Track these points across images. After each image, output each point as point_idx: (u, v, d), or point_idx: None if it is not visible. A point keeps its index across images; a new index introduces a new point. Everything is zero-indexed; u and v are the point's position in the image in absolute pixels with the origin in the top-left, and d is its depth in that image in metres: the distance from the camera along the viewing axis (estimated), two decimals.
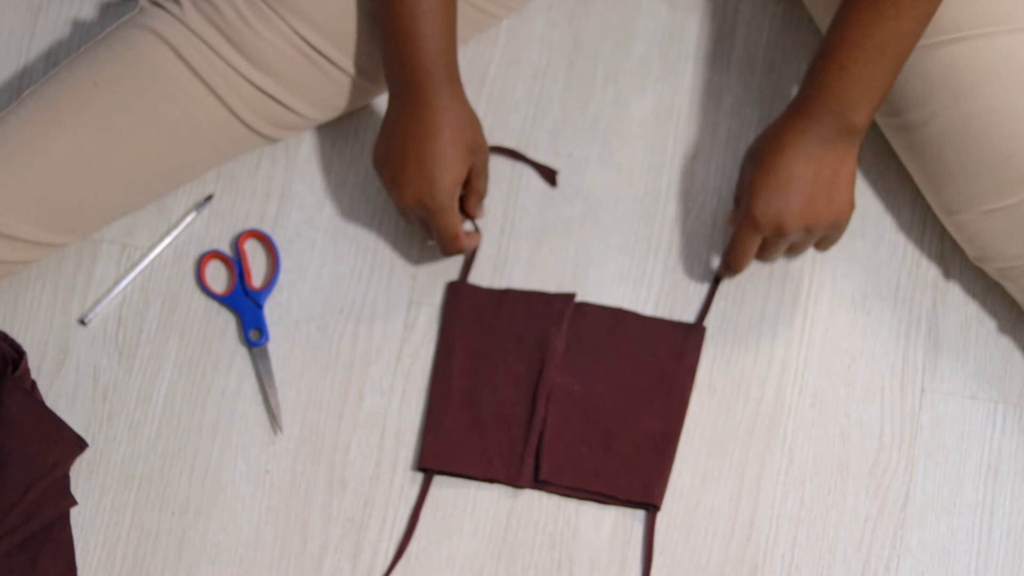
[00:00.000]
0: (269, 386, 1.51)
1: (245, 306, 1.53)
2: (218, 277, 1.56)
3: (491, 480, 1.48)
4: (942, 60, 1.41)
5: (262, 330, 1.52)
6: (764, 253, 1.46)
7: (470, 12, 1.53)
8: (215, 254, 1.55)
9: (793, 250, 1.48)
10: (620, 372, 1.50)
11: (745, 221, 1.43)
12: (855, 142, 1.41)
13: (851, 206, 1.42)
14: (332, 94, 1.52)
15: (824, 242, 1.46)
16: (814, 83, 1.40)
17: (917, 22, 1.36)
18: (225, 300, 1.54)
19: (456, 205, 1.46)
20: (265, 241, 1.56)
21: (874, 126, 1.56)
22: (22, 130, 1.44)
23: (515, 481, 1.47)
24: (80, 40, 1.62)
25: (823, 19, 1.50)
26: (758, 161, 1.42)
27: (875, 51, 1.37)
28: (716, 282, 1.53)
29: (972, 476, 1.48)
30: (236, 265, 1.55)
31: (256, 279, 1.55)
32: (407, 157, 1.44)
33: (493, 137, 1.58)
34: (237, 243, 1.55)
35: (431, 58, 1.42)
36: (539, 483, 1.48)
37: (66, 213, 1.46)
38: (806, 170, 1.41)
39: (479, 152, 1.47)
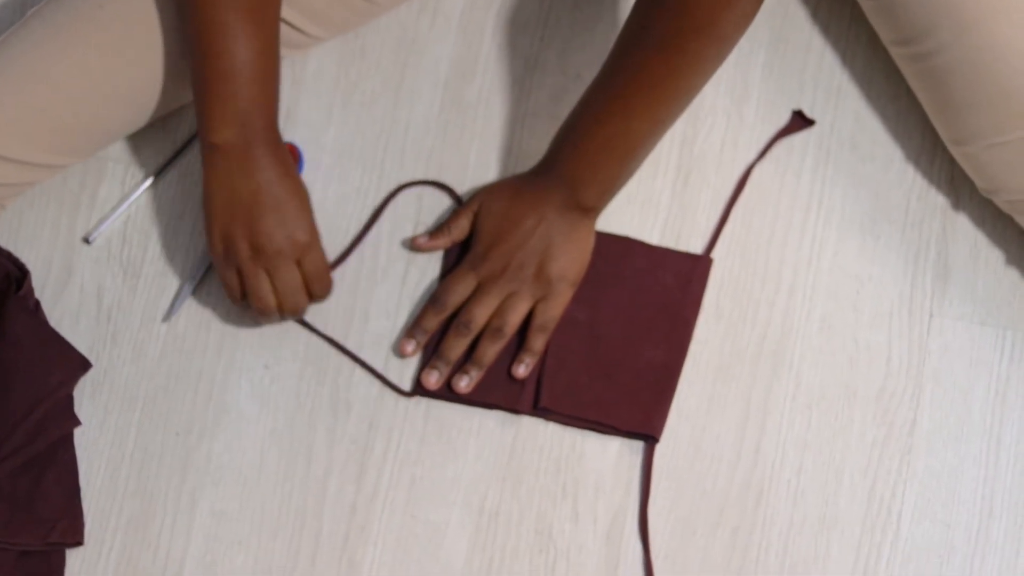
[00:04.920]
0: None
1: None
2: None
3: (489, 406, 1.43)
4: None
5: None
6: (481, 296, 1.42)
7: None
8: None
9: (513, 303, 1.42)
10: (625, 302, 1.45)
11: (466, 259, 1.43)
12: (588, 216, 1.42)
13: (576, 271, 1.43)
14: (341, 14, 1.49)
15: (542, 307, 1.42)
16: (551, 152, 1.41)
17: (650, 125, 1.35)
18: None
19: None
20: None
21: (885, 52, 1.49)
22: (26, 54, 1.40)
23: (514, 407, 1.43)
24: None
25: None
26: (492, 209, 1.43)
27: (605, 141, 1.36)
28: (724, 216, 1.47)
29: (980, 402, 1.43)
30: None
31: None
32: (263, 203, 1.36)
33: (502, 57, 1.51)
34: None
35: (260, 108, 1.36)
36: (538, 410, 1.43)
37: (71, 135, 1.42)
38: (534, 227, 1.41)
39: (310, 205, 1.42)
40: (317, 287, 1.40)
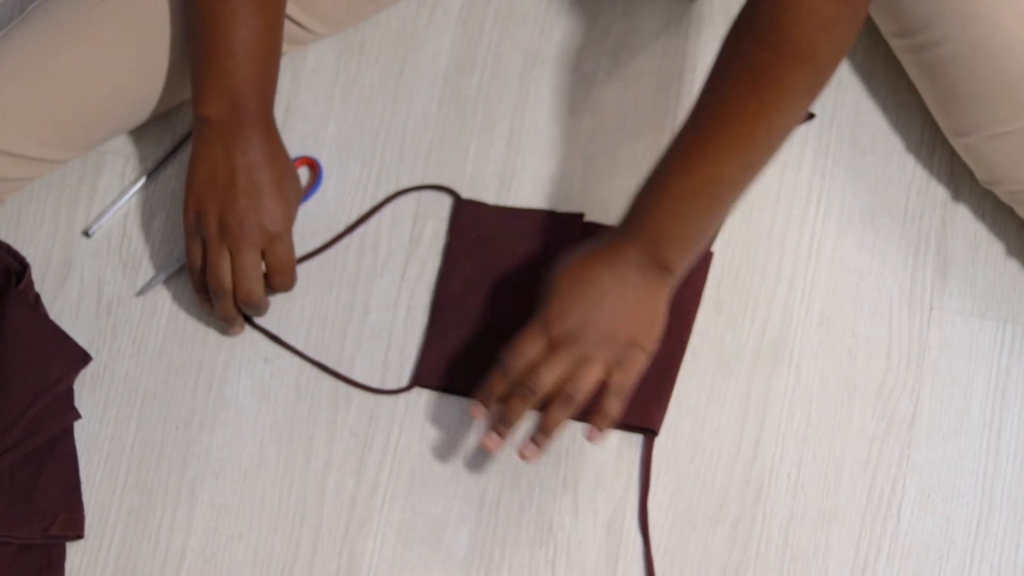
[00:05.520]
0: None
1: None
2: None
3: None
4: None
5: None
6: (552, 359, 1.29)
7: None
8: None
9: (585, 368, 1.29)
10: None
11: (536, 318, 1.31)
12: (666, 279, 1.30)
13: (651, 338, 1.30)
14: (343, 11, 1.48)
15: (617, 372, 1.30)
16: (633, 207, 1.30)
17: (741, 169, 1.25)
18: None
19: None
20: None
21: (885, 45, 1.48)
22: (27, 47, 1.38)
23: None
24: None
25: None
26: (567, 267, 1.31)
27: (693, 190, 1.26)
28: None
29: (979, 396, 1.42)
30: None
31: None
32: (240, 184, 1.35)
33: (501, 51, 1.50)
34: None
35: (254, 88, 1.35)
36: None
37: (71, 130, 1.41)
38: (611, 287, 1.29)
39: (298, 195, 1.39)
40: (278, 279, 1.39)
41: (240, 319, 1.41)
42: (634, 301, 1.29)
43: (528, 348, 1.30)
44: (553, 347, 1.30)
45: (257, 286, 1.37)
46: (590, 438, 1.30)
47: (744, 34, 1.22)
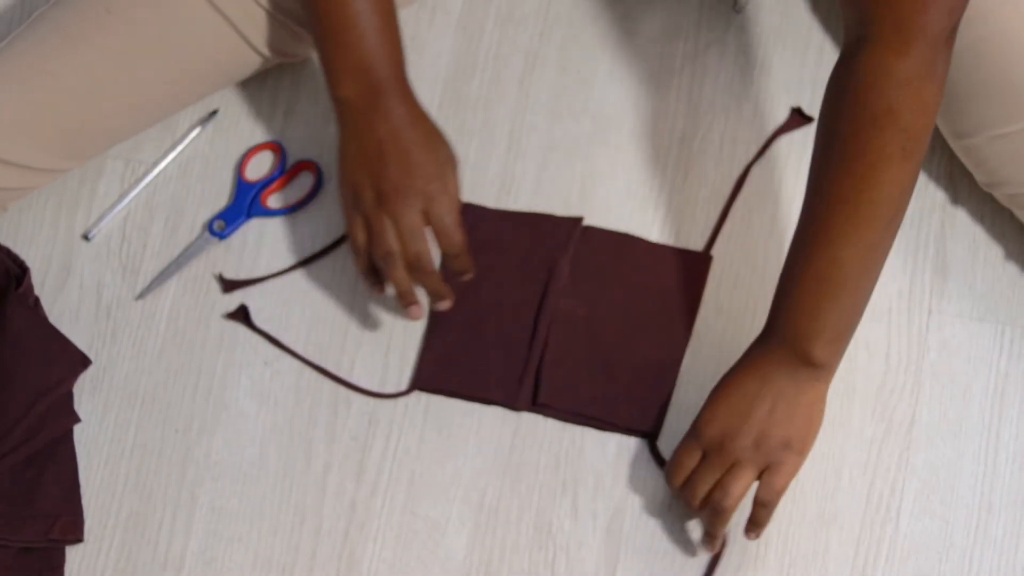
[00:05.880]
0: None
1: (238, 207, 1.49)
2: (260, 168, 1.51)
3: (488, 401, 1.42)
4: None
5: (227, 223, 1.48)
6: (703, 467, 1.32)
7: None
8: (265, 146, 1.51)
9: (734, 475, 1.30)
10: (624, 298, 1.44)
11: (690, 431, 1.34)
12: (819, 376, 1.30)
13: (805, 439, 1.30)
14: None
15: (767, 475, 1.30)
16: (771, 311, 1.31)
17: (860, 249, 1.23)
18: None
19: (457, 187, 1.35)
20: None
21: None
22: (32, 55, 1.38)
23: (512, 403, 1.42)
24: None
25: None
26: (721, 379, 1.33)
27: (816, 279, 1.25)
28: (724, 213, 1.45)
29: (979, 398, 1.42)
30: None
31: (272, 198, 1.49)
32: (388, 152, 1.33)
33: (501, 53, 1.50)
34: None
35: (381, 58, 1.33)
36: (537, 406, 1.42)
37: (75, 139, 1.41)
38: (757, 391, 1.30)
39: (452, 159, 1.36)
40: (443, 240, 1.35)
41: (418, 298, 1.37)
42: (784, 404, 1.30)
43: (684, 458, 1.33)
44: (705, 455, 1.32)
45: (424, 246, 1.33)
46: (746, 536, 1.33)
47: (828, 110, 1.22)
